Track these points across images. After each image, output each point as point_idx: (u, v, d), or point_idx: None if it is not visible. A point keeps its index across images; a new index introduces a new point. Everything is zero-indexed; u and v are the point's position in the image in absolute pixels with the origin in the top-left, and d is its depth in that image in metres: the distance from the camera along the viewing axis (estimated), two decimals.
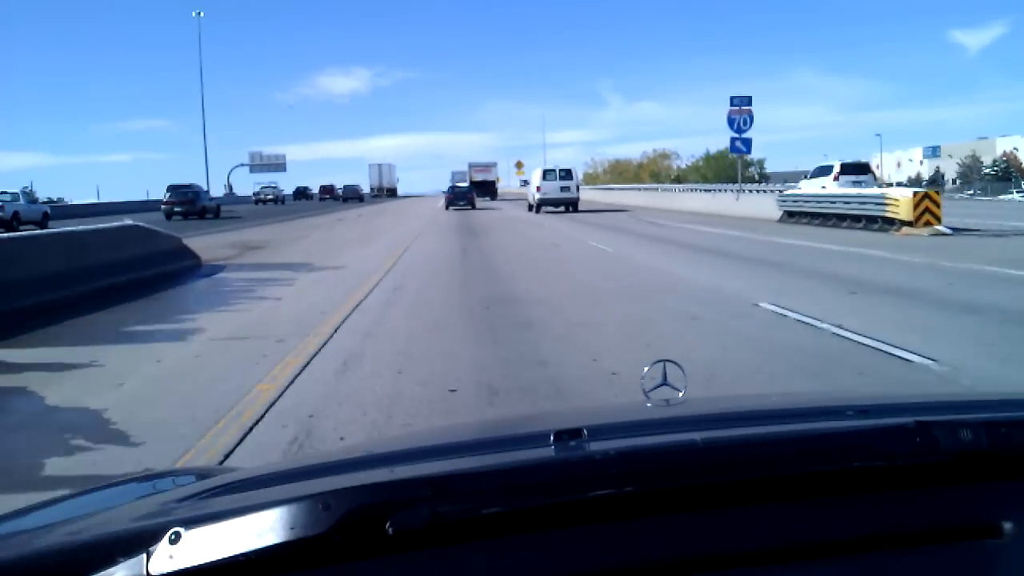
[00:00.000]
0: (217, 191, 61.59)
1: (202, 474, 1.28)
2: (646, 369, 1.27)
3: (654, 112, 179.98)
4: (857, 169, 26.90)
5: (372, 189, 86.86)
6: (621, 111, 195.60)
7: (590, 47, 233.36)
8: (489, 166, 66.89)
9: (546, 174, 34.41)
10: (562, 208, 33.92)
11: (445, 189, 50.17)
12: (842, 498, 0.84)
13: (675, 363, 1.27)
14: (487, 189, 61.09)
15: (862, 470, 0.85)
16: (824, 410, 1.23)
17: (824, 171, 27.74)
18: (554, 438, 0.92)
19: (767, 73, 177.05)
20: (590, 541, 0.77)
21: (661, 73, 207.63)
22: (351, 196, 73.25)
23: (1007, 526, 0.80)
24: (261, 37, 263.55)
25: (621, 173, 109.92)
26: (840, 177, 26.24)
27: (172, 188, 38.87)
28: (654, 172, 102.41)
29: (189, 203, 37.40)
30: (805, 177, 30.25)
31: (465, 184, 50.06)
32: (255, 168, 75.78)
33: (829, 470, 0.85)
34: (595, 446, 0.90)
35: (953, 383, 4.81)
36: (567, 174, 34.35)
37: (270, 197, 65.27)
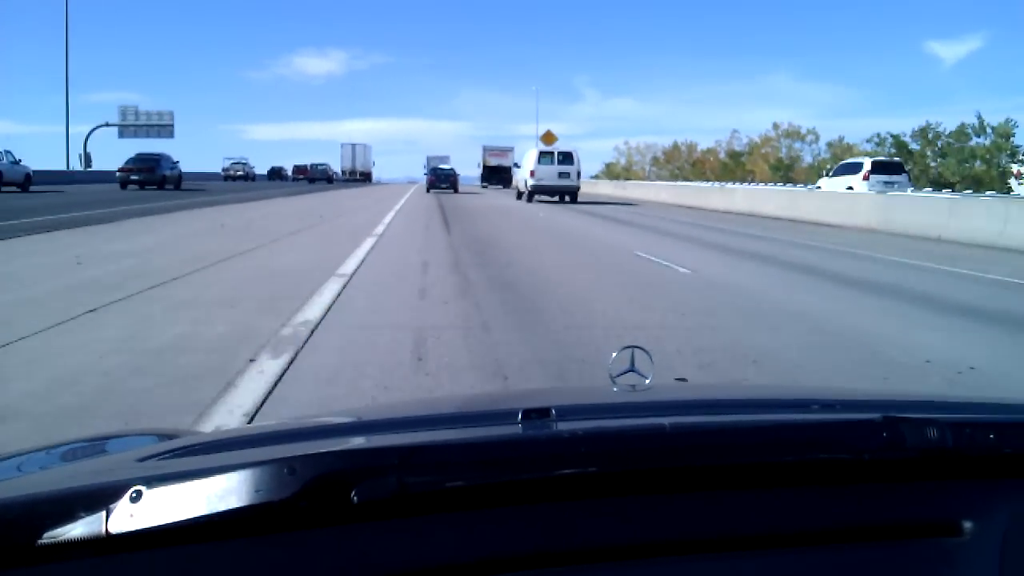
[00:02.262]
0: (73, 162, 46.96)
1: (164, 435, 1.20)
2: (614, 355, 1.23)
3: (630, 109, 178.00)
4: (891, 168, 24.47)
5: (344, 172, 76.66)
6: (597, 106, 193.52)
7: (568, 41, 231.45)
8: (506, 150, 54.79)
9: (541, 157, 28.98)
10: (556, 198, 29.48)
11: (426, 172, 46.42)
12: (806, 489, 0.84)
13: (643, 349, 1.23)
14: (502, 175, 50.53)
15: (827, 462, 0.86)
16: (791, 402, 1.25)
17: (850, 169, 25.30)
18: (522, 416, 0.92)
19: (742, 75, 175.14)
20: (553, 519, 0.77)
21: (638, 70, 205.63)
22: (319, 177, 66.32)
23: (967, 525, 0.81)
24: (237, 14, 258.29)
25: (696, 164, 73.20)
26: (871, 176, 23.82)
27: (135, 157, 35.70)
28: (781, 164, 62.43)
29: (147, 171, 34.68)
30: (826, 174, 27.76)
31: (448, 166, 45.33)
32: (127, 132, 53.19)
33: (795, 460, 0.85)
34: (563, 426, 0.93)
35: None
36: (567, 158, 28.91)
37: (239, 173, 63.71)
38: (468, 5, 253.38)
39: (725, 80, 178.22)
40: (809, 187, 29.26)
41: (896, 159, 25.57)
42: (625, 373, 1.21)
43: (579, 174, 29.41)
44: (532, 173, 28.50)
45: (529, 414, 0.92)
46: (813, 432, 0.92)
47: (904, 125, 59.06)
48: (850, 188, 23.61)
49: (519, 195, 31.64)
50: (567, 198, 29.29)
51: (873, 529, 0.80)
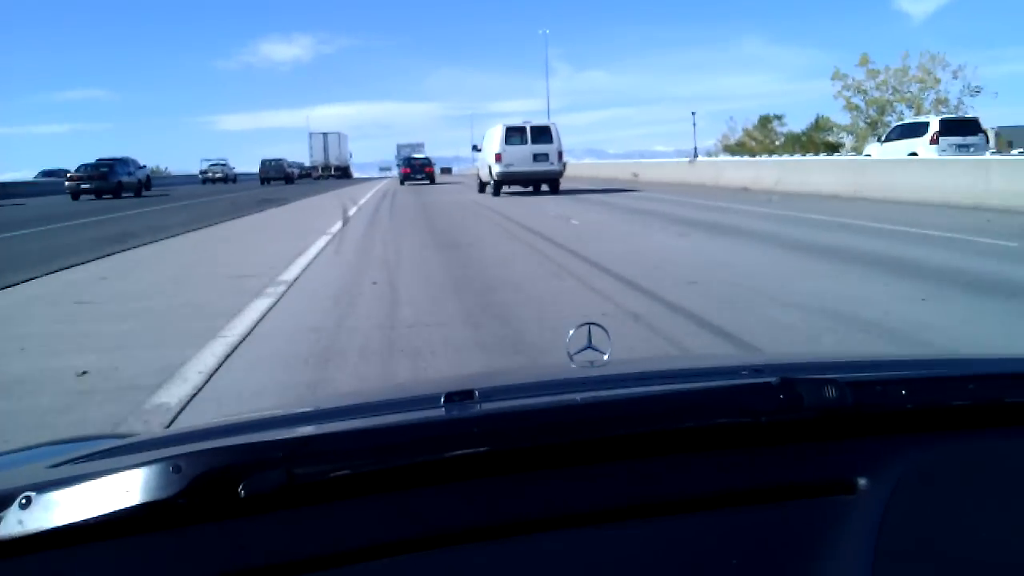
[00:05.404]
0: None
1: (117, 439, 1.20)
2: (571, 332, 1.23)
3: (603, 81, 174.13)
4: (964, 128, 20.44)
5: (316, 168, 65.56)
6: (570, 80, 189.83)
7: (539, 14, 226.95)
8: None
9: (509, 135, 21.66)
10: (530, 188, 22.77)
11: (397, 161, 41.79)
12: (706, 454, 0.86)
13: (600, 326, 1.24)
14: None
15: (726, 426, 0.87)
16: (709, 370, 1.28)
17: (912, 131, 21.30)
18: (444, 399, 0.94)
19: (713, 41, 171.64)
20: (450, 501, 0.78)
21: (608, 41, 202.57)
22: (272, 176, 52.47)
23: (861, 482, 0.82)
24: (200, 3, 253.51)
25: None
26: (940, 139, 19.84)
27: (88, 164, 31.96)
28: None
29: (100, 178, 30.91)
30: (878, 141, 23.77)
31: (422, 155, 39.76)
32: None
33: (694, 427, 0.87)
34: (476, 407, 0.93)
35: None
36: (542, 134, 21.87)
37: (219, 176, 59.34)
38: None
39: (694, 47, 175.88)
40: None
41: (970, 116, 21.40)
42: (583, 350, 1.21)
43: (560, 155, 22.48)
44: (498, 157, 21.62)
45: (452, 397, 0.94)
46: (711, 397, 0.94)
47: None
48: (913, 155, 19.66)
49: (481, 187, 24.45)
50: (542, 187, 22.91)
51: (771, 490, 0.82)
